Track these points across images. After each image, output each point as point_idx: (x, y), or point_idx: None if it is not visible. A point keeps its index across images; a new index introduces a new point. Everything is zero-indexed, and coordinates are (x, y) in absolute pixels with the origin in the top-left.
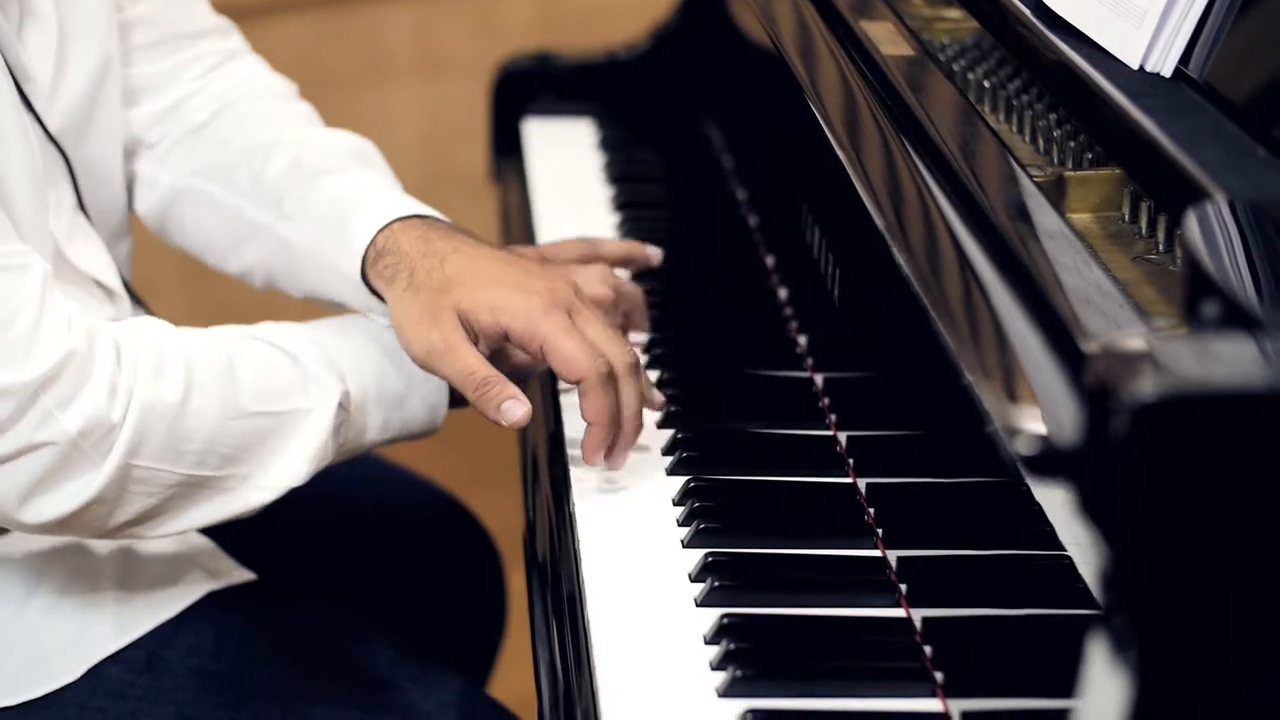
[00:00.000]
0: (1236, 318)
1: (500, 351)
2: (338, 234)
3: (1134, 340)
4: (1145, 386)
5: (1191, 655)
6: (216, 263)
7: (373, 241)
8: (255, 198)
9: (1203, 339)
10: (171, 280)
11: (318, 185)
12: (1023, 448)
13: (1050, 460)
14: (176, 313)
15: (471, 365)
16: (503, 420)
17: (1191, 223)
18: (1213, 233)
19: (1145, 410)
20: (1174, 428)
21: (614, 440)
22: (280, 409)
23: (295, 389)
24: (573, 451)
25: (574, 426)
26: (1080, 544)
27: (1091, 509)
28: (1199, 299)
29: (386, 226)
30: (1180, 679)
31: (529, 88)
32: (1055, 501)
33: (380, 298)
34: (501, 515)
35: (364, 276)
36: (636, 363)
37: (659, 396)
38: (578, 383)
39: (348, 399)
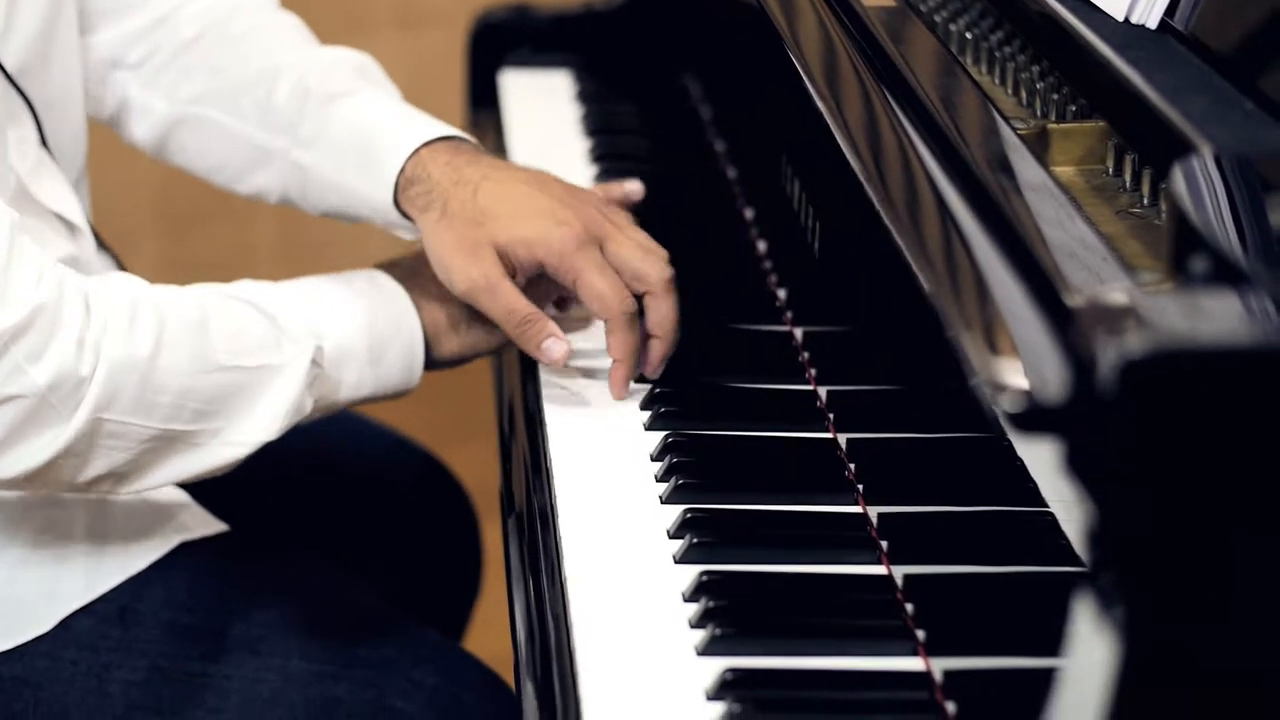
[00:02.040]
0: (1224, 273)
1: (537, 281)
2: (362, 162)
3: (1120, 295)
4: (1132, 342)
5: (1179, 612)
6: (225, 184)
7: (401, 170)
8: (265, 124)
9: (1190, 294)
10: (149, 232)
11: (332, 110)
12: (1006, 405)
13: (1034, 417)
14: (154, 264)
15: (513, 303)
16: (543, 358)
17: (1178, 176)
18: (1199, 186)
19: (1132, 367)
20: (1161, 384)
21: (652, 354)
22: (253, 364)
23: (269, 344)
24: (549, 406)
25: (551, 379)
26: (1064, 500)
27: (1077, 466)
28: (1185, 254)
29: (414, 154)
30: (1168, 636)
31: (506, 39)
32: (1039, 458)
33: (408, 217)
34: (477, 469)
35: (395, 203)
36: (672, 276)
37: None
38: (605, 320)
39: (322, 355)
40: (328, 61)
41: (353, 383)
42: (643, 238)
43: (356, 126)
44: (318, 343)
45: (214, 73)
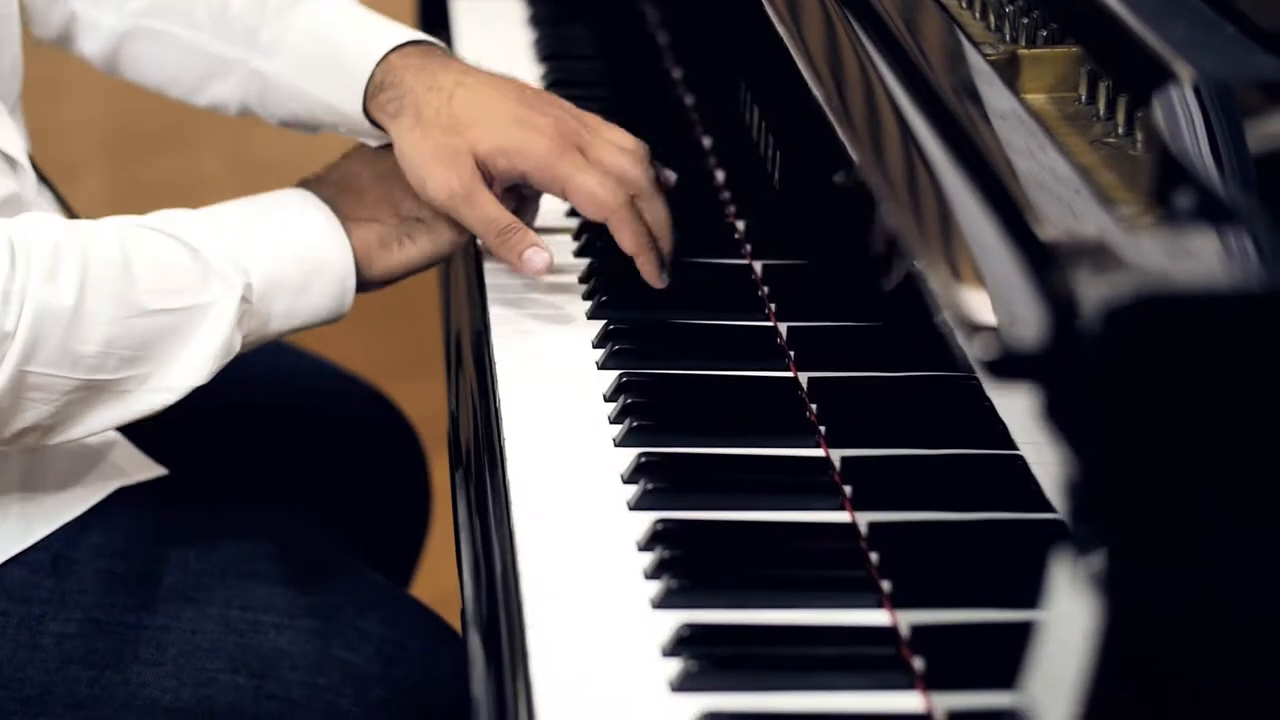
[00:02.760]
0: (1209, 209)
1: (513, 189)
2: (327, 68)
3: (1102, 232)
4: (1117, 284)
5: (1161, 565)
6: (181, 96)
7: (370, 76)
8: (222, 33)
9: (1175, 231)
10: (96, 162)
11: (293, 17)
12: (980, 350)
13: (1010, 364)
14: (102, 193)
15: (492, 213)
16: (525, 269)
17: (1158, 105)
18: (1180, 116)
19: (1117, 310)
20: (1148, 328)
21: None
22: (180, 305)
23: (195, 283)
24: (499, 344)
25: (502, 314)
26: (1035, 442)
27: (1056, 416)
28: (1168, 188)
29: (384, 59)
30: (1149, 589)
31: None
32: (1012, 403)
33: (377, 126)
34: (426, 403)
35: (364, 110)
36: (654, 177)
37: (672, 176)
38: (607, 219)
39: (250, 290)
40: None
41: (283, 313)
42: (619, 136)
43: (319, 33)
44: (245, 278)
45: None
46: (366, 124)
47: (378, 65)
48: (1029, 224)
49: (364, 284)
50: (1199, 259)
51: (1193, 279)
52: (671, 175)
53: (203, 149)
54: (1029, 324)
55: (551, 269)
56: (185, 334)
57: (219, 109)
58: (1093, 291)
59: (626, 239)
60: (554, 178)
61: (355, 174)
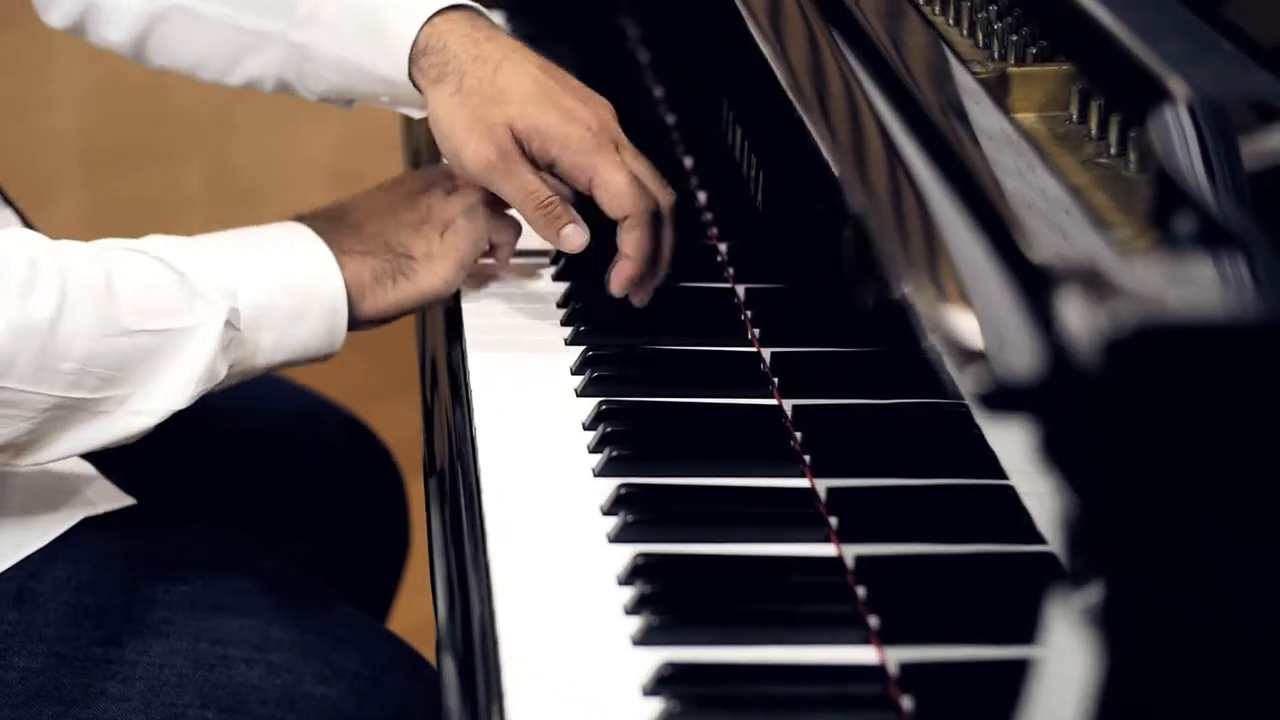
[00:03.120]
0: (1209, 233)
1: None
2: (369, 34)
3: (1099, 258)
4: (1116, 313)
5: (1160, 601)
6: (214, 77)
7: (414, 40)
8: (256, 6)
9: (1174, 256)
10: (74, 179)
11: None
12: (972, 382)
13: (1004, 397)
14: (75, 213)
15: (532, 184)
16: (564, 245)
17: (1156, 125)
18: (1179, 136)
19: (1117, 342)
20: (1149, 359)
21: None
22: (163, 327)
23: (180, 305)
24: (475, 369)
25: (478, 337)
26: (1025, 472)
27: (1052, 450)
28: (1166, 211)
29: (429, 21)
30: (1148, 625)
31: None
32: (1004, 434)
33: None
34: (402, 427)
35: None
36: (675, 203)
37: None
38: (623, 219)
39: (237, 316)
40: None
41: (271, 346)
42: (645, 161)
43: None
44: (232, 303)
45: None
46: (411, 89)
47: (422, 28)
48: (1021, 248)
49: (356, 321)
50: (1199, 286)
51: (1194, 307)
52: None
53: (181, 166)
54: (1023, 354)
55: (529, 293)
56: (167, 356)
57: (255, 85)
58: (1091, 321)
59: (631, 242)
60: (584, 166)
61: (351, 209)
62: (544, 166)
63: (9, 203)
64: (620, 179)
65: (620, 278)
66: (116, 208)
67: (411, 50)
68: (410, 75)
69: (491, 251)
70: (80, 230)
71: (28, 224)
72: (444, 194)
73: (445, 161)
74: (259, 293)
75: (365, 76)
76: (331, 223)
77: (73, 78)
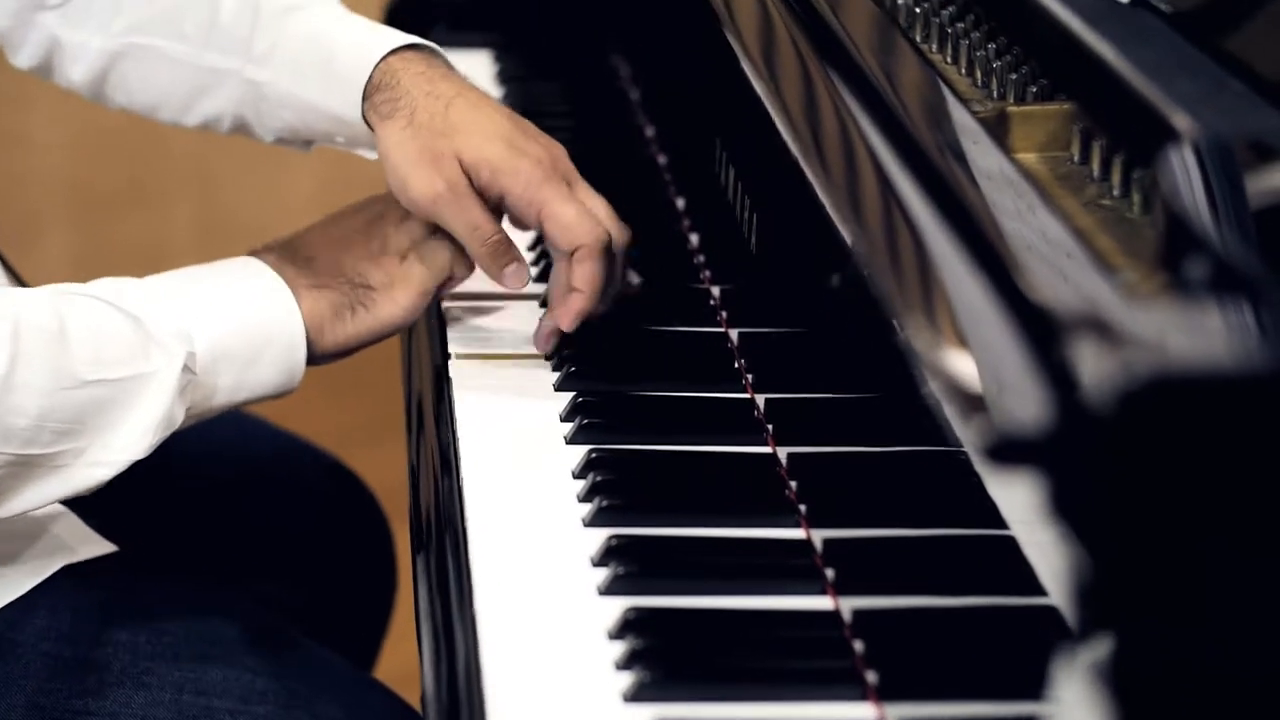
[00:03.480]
0: (1221, 278)
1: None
2: (324, 73)
3: (1107, 304)
4: (1129, 363)
5: (1172, 660)
6: (172, 117)
7: (369, 77)
8: (213, 45)
9: (1186, 303)
10: (62, 220)
11: (286, 24)
12: (976, 434)
13: (1008, 448)
14: (62, 256)
15: (479, 219)
16: (505, 283)
17: (1167, 166)
18: (1186, 176)
19: (1131, 394)
20: (1164, 412)
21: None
22: (118, 375)
23: (135, 353)
24: (463, 417)
25: (461, 373)
26: (1027, 522)
27: (1061, 505)
28: (1177, 254)
29: (383, 60)
30: (1160, 685)
31: (422, 17)
32: (1006, 484)
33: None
34: (388, 470)
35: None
36: (630, 238)
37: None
38: (573, 252)
39: (194, 360)
40: None
41: (229, 387)
42: (600, 199)
43: (315, 37)
44: (188, 348)
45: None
46: (365, 129)
47: (377, 66)
48: (1024, 292)
49: (315, 356)
50: (1211, 333)
51: (1207, 355)
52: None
53: (170, 207)
54: (1029, 404)
55: (517, 336)
56: (124, 406)
57: (212, 125)
58: (1101, 369)
59: (582, 274)
60: (534, 200)
61: (307, 241)
62: (493, 201)
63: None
64: (570, 211)
65: (571, 312)
66: (105, 250)
67: (366, 88)
68: (363, 113)
69: (447, 284)
70: (67, 273)
71: (10, 267)
72: (400, 220)
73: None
74: (215, 335)
75: (319, 115)
76: (287, 255)
77: (61, 118)
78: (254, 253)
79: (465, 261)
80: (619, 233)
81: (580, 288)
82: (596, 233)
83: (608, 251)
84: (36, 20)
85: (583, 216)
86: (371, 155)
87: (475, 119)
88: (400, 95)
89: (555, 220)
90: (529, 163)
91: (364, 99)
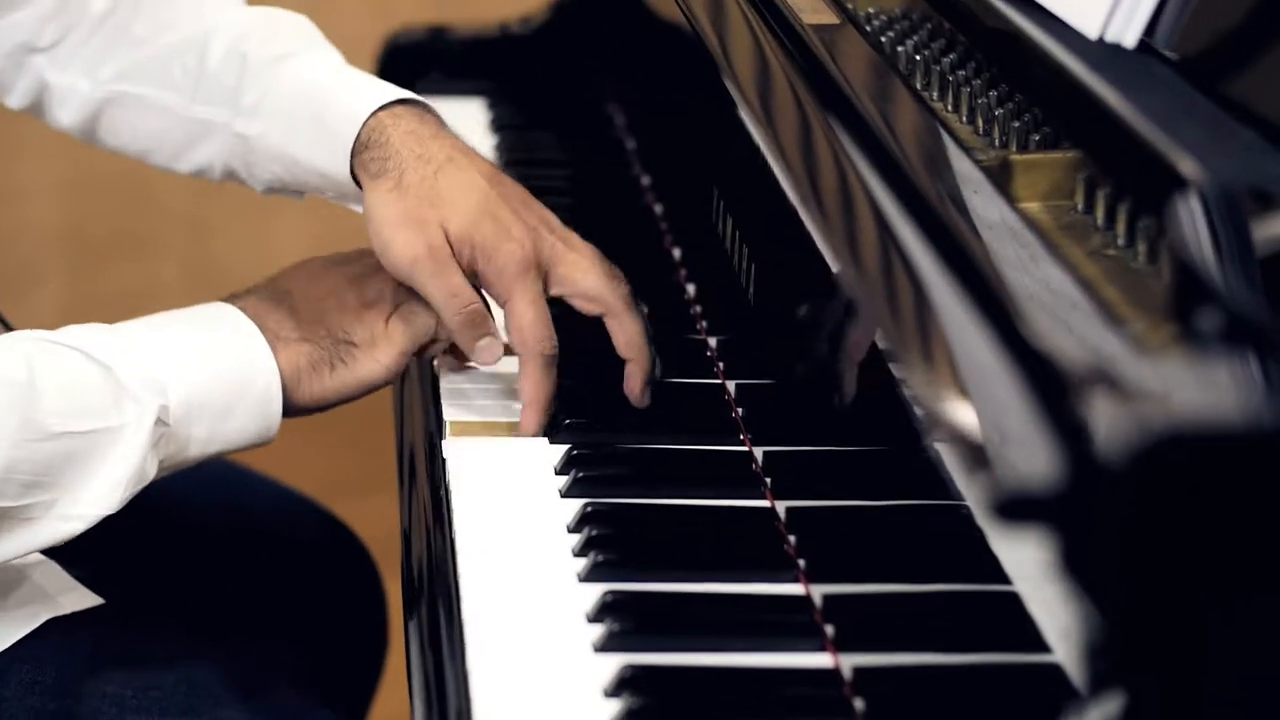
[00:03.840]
0: (1235, 330)
1: None
2: (314, 128)
3: (1118, 357)
4: (1144, 418)
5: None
6: (164, 164)
7: (357, 134)
8: (201, 95)
9: (1199, 356)
10: (53, 270)
11: (276, 75)
12: (984, 490)
13: (1018, 505)
14: (54, 304)
15: (458, 287)
16: (477, 358)
17: (1176, 215)
18: (1196, 225)
19: (1147, 451)
20: (1180, 468)
21: (631, 380)
22: (89, 427)
23: (106, 405)
24: (455, 467)
25: (454, 425)
26: (1031, 578)
27: (1073, 564)
28: (1188, 305)
29: (373, 115)
30: None
31: (417, 65)
32: (1012, 544)
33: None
34: (380, 521)
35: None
36: (630, 293)
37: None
38: (520, 353)
39: (167, 413)
40: (261, 21)
41: (203, 439)
42: (593, 253)
43: (304, 91)
44: (162, 399)
45: (137, 44)
46: (352, 185)
47: (366, 122)
48: (1031, 344)
49: (291, 409)
50: (1225, 388)
51: (1223, 411)
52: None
53: (161, 258)
54: (1036, 460)
55: (511, 388)
56: (95, 458)
57: (204, 174)
58: (1112, 424)
59: (527, 384)
60: (504, 288)
61: (287, 291)
62: (467, 273)
63: None
64: (528, 315)
65: (528, 424)
66: (96, 299)
67: (355, 144)
68: (352, 169)
69: (430, 346)
70: (59, 321)
71: (2, 318)
72: (389, 276)
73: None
74: (189, 386)
75: (307, 170)
76: (266, 304)
77: (52, 168)
78: (234, 298)
79: None
80: (616, 294)
81: (526, 397)
82: (543, 345)
83: (550, 363)
84: (27, 62)
85: (538, 324)
86: (360, 209)
87: (465, 191)
88: (389, 155)
89: (514, 317)
90: (511, 246)
91: (353, 155)
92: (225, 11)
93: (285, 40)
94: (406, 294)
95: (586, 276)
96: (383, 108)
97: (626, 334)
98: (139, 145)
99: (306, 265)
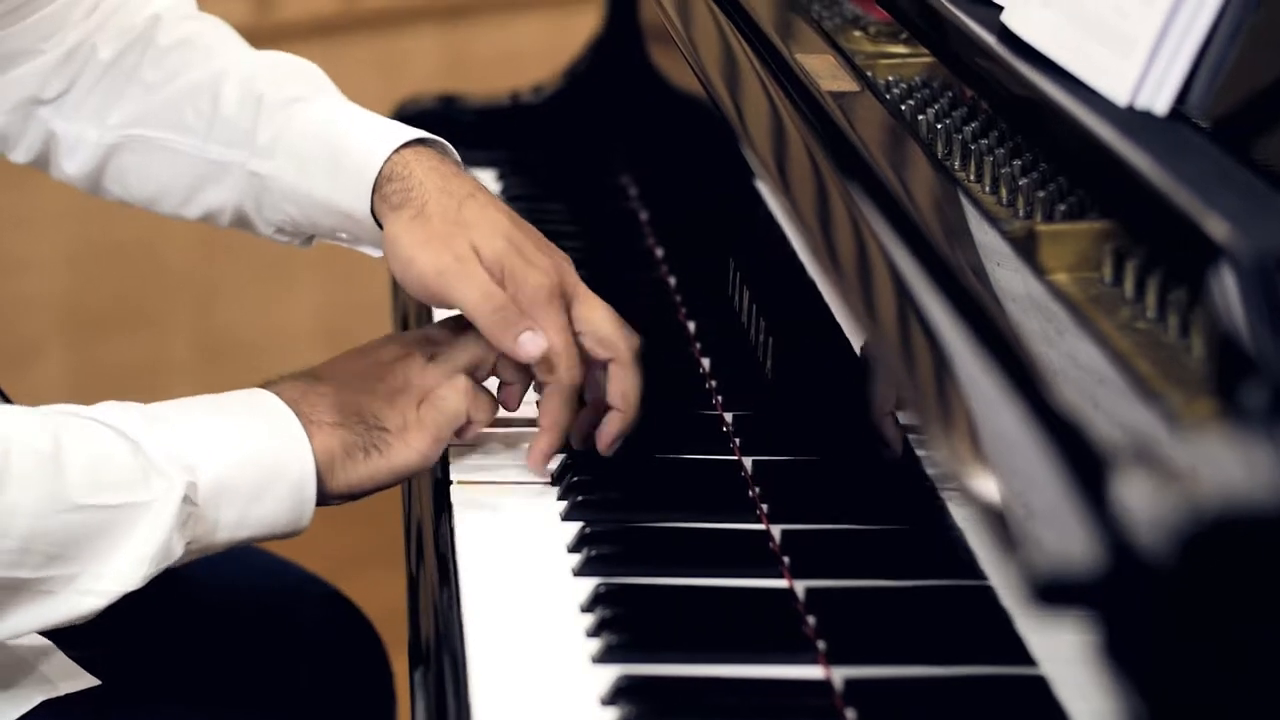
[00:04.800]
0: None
1: None
2: (332, 166)
3: (1160, 436)
4: (1192, 500)
5: None
6: (172, 209)
7: (380, 169)
8: (215, 136)
9: (1243, 433)
10: (57, 342)
11: (292, 115)
12: (1020, 574)
13: (1057, 590)
14: (57, 376)
15: (489, 289)
16: (520, 352)
17: (1215, 283)
18: (1242, 298)
19: (1197, 535)
20: (1231, 552)
21: (609, 426)
22: (114, 502)
23: (133, 479)
24: (464, 544)
25: (463, 501)
26: (1061, 660)
27: (1115, 652)
28: (1228, 379)
29: (396, 152)
30: None
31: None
32: (1043, 628)
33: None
34: (386, 596)
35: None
36: (640, 347)
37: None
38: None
39: (195, 491)
40: (273, 65)
41: (232, 522)
42: (607, 305)
43: (320, 130)
44: (190, 477)
45: (147, 90)
46: (371, 224)
47: (389, 158)
48: (1068, 421)
49: (324, 496)
50: (1270, 465)
51: (1268, 490)
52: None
53: (167, 329)
54: (1074, 541)
55: (523, 464)
56: (119, 533)
57: (212, 218)
58: (1159, 505)
59: (547, 410)
60: (533, 318)
61: (323, 375)
62: None
63: None
64: (558, 343)
65: (537, 453)
66: (100, 372)
67: (376, 179)
68: (372, 205)
69: (465, 429)
70: (63, 395)
71: (2, 393)
72: (423, 362)
73: (425, 328)
74: (220, 466)
75: (324, 209)
76: (301, 390)
77: (56, 239)
78: (268, 384)
79: (483, 405)
80: (628, 344)
81: (545, 424)
82: (571, 375)
83: (573, 395)
84: (34, 115)
85: (567, 353)
86: (375, 253)
87: (490, 220)
88: (413, 186)
89: (535, 341)
90: (538, 275)
91: (373, 190)
92: (235, 56)
93: (297, 83)
94: (439, 379)
95: (605, 320)
96: (405, 145)
97: (626, 385)
98: (147, 191)
99: (340, 356)
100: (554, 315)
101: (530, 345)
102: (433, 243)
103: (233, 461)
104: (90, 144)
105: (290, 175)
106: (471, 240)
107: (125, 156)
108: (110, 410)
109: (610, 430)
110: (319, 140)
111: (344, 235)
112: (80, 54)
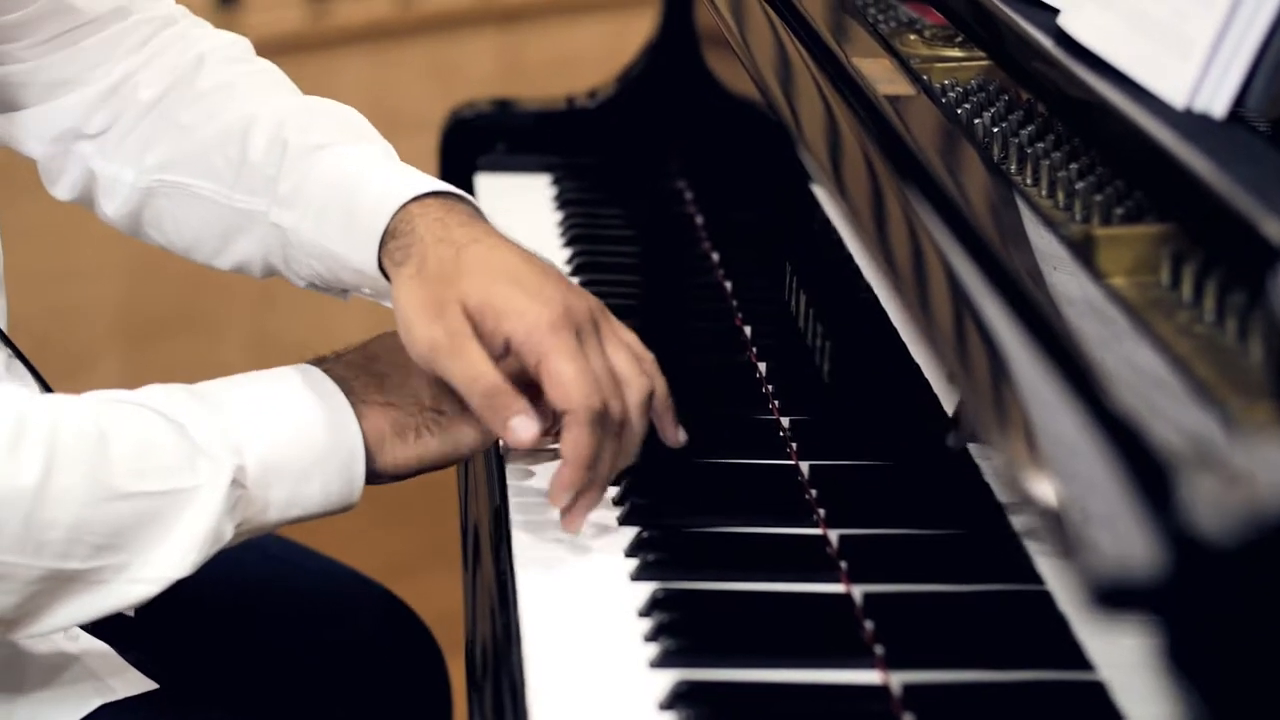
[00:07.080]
0: None
1: (500, 363)
2: (346, 221)
3: (1223, 440)
4: (1258, 504)
5: None
6: (205, 259)
7: (386, 226)
8: (242, 184)
9: None
10: (111, 349)
11: (312, 165)
12: (1083, 579)
13: (1120, 595)
14: (113, 381)
15: (479, 369)
16: (510, 437)
17: (1277, 288)
18: None
19: (1265, 539)
20: None
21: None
22: (161, 488)
23: (179, 464)
24: (521, 551)
25: (520, 504)
26: (1119, 665)
27: (1180, 657)
28: None
29: (403, 208)
30: None
31: (481, 139)
32: (1104, 632)
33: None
34: (442, 599)
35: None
36: (649, 396)
37: (682, 435)
38: (565, 414)
39: (244, 473)
40: (307, 110)
41: (282, 503)
42: (633, 339)
43: (337, 181)
44: (238, 460)
45: (182, 133)
46: (384, 282)
47: (394, 215)
48: (1128, 425)
49: (374, 475)
50: None
51: None
52: (683, 435)
53: (220, 336)
54: (1136, 546)
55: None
56: (167, 520)
57: (244, 269)
58: (1223, 510)
59: (568, 441)
60: (534, 348)
61: (375, 356)
62: (498, 350)
63: (21, 358)
64: (569, 367)
65: (557, 484)
66: (156, 377)
67: (382, 236)
68: (380, 261)
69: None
70: None
71: (40, 379)
72: None
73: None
74: (268, 446)
75: (342, 265)
76: (353, 369)
77: (110, 248)
78: (319, 360)
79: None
80: (644, 379)
81: (566, 455)
82: (590, 399)
83: (600, 420)
84: (75, 150)
85: (581, 377)
86: (386, 304)
87: (485, 265)
88: (413, 242)
89: (550, 376)
90: (536, 307)
91: (380, 247)
92: (273, 99)
93: (324, 130)
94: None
95: (619, 358)
96: (414, 199)
97: (625, 438)
98: (182, 239)
99: (387, 335)
100: (559, 343)
101: (521, 431)
102: (428, 309)
103: (281, 441)
104: (127, 186)
105: (309, 229)
106: (462, 295)
107: (160, 201)
108: (155, 394)
109: (556, 483)
110: (338, 190)
111: (366, 290)
112: (124, 91)
